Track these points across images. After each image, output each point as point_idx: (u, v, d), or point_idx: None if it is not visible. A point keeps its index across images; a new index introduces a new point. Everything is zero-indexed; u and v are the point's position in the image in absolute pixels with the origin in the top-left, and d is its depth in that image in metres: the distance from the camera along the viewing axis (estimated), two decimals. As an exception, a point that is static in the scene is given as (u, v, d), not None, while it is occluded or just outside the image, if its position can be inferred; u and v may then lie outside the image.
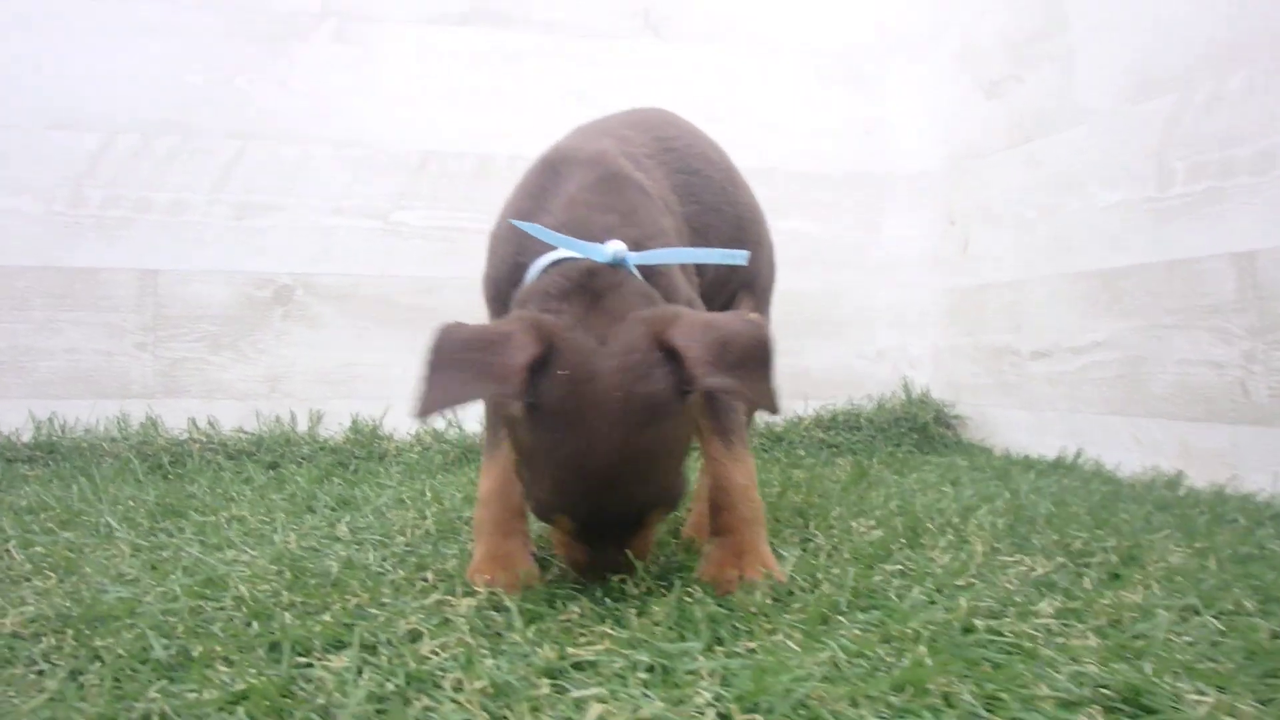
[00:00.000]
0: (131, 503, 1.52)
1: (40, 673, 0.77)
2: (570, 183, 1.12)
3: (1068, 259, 2.21)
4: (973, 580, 1.08)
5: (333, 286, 2.28)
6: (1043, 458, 2.21)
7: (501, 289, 1.13)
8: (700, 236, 1.26)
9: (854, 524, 1.41)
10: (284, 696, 0.71)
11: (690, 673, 0.76)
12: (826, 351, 2.62)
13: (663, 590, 1.00)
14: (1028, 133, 2.33)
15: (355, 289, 2.29)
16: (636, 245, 1.06)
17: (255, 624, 0.88)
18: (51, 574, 1.08)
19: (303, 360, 2.26)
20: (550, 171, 1.16)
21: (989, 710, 0.70)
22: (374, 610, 0.93)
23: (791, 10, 2.60)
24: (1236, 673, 0.79)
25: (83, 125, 2.18)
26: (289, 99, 2.28)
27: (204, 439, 2.07)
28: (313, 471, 1.89)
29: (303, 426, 2.20)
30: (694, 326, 0.95)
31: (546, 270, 1.04)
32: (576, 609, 0.93)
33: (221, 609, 0.92)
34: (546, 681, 0.73)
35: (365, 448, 2.13)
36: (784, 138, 2.58)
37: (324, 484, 1.78)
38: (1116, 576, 1.13)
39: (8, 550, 1.20)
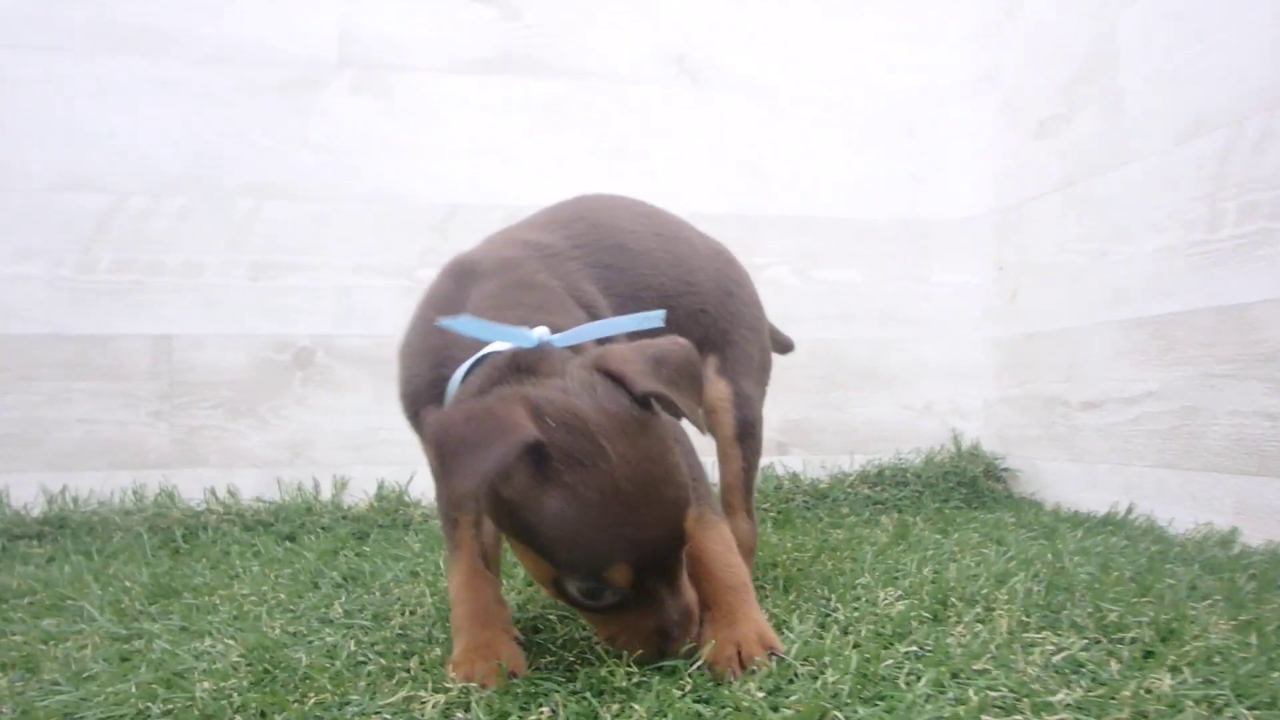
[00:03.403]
0: (127, 583, 1.50)
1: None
2: (474, 291, 1.12)
3: (1118, 306, 2.12)
4: (989, 665, 1.00)
5: (356, 348, 2.25)
6: (1093, 513, 2.11)
7: (420, 405, 1.10)
8: None
9: (880, 594, 1.33)
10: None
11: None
12: (872, 405, 2.54)
13: (646, 682, 0.93)
14: (1076, 176, 2.26)
15: (379, 350, 2.24)
16: (556, 330, 1.05)
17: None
18: (10, 670, 1.06)
19: (325, 425, 2.23)
20: (453, 284, 1.16)
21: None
22: (333, 713, 0.88)
23: (832, 55, 2.55)
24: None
25: (91, 186, 2.16)
26: (307, 153, 2.27)
27: (221, 509, 2.04)
28: (328, 543, 1.85)
29: (326, 494, 2.17)
30: (626, 350, 0.99)
31: (472, 370, 1.03)
32: (548, 709, 0.87)
33: (170, 712, 0.88)
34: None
35: (389, 515, 2.09)
36: (826, 185, 2.53)
37: (336, 556, 1.74)
38: (1150, 655, 1.05)
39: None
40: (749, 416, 1.41)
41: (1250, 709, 0.86)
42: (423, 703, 0.89)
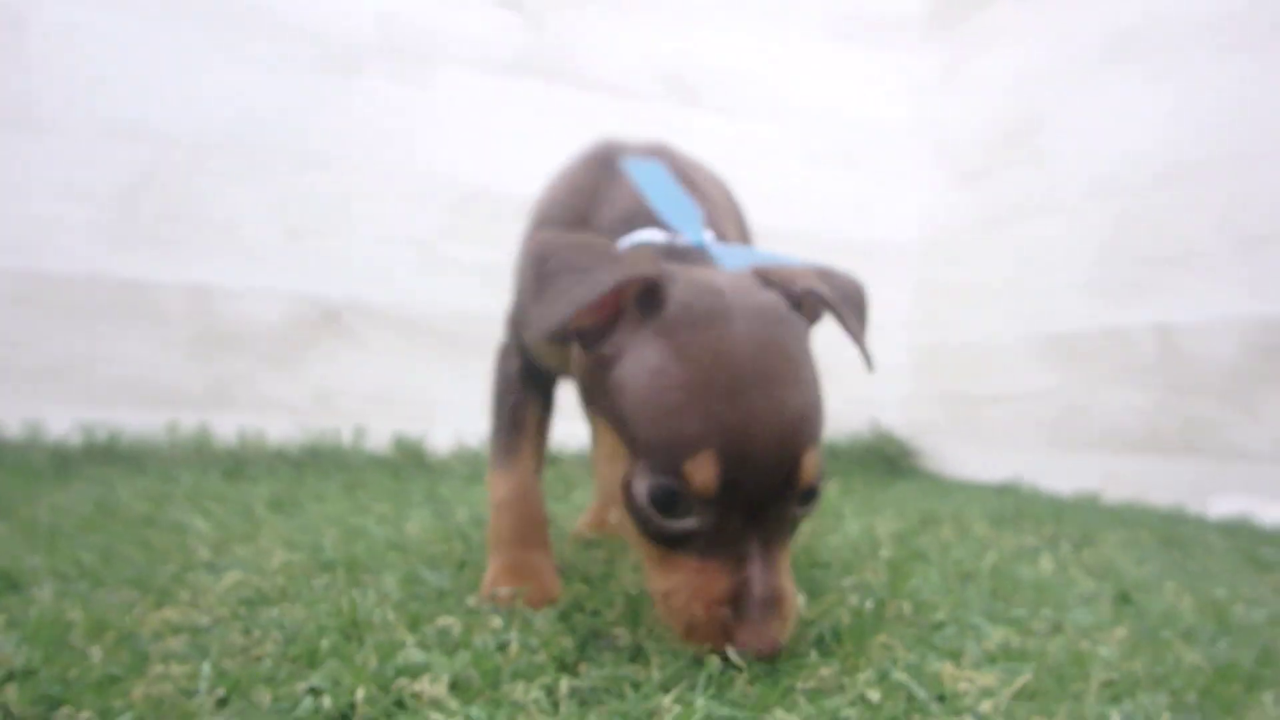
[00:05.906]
0: (242, 499, 1.63)
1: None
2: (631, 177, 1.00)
3: (1023, 323, 2.64)
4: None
5: (378, 310, 2.45)
6: (990, 483, 2.57)
7: None
8: None
9: (874, 519, 1.73)
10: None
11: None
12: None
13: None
14: (999, 219, 2.75)
15: (400, 313, 2.46)
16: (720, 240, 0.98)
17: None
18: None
19: (348, 379, 2.45)
20: (603, 167, 1.06)
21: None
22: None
23: (800, 87, 2.94)
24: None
25: (139, 137, 2.26)
26: (342, 127, 2.45)
27: (260, 448, 2.21)
28: (385, 479, 2.07)
29: (347, 441, 2.36)
30: (789, 263, 0.88)
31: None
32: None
33: (440, 556, 1.18)
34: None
35: (412, 459, 2.32)
36: (784, 204, 2.86)
37: (400, 483, 1.99)
38: (1080, 547, 1.51)
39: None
40: None
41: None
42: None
